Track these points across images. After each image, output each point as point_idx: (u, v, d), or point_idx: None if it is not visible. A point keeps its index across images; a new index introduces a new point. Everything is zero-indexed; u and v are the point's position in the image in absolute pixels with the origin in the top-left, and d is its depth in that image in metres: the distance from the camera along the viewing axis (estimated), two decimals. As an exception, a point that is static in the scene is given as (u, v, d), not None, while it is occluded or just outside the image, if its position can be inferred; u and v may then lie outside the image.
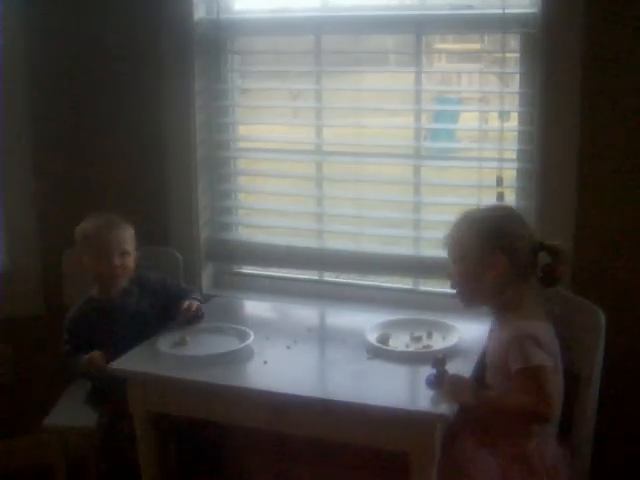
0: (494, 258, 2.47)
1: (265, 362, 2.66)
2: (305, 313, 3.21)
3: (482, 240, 2.49)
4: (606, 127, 2.79)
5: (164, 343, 2.79)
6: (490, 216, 2.56)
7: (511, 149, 3.00)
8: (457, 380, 2.42)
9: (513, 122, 3.02)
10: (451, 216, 2.95)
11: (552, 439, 2.49)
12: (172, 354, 2.73)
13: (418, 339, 2.75)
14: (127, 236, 2.99)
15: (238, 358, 2.70)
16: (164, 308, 3.01)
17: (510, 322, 2.48)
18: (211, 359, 2.68)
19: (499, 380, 2.48)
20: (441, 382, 2.40)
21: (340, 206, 3.42)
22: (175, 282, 3.11)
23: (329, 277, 3.40)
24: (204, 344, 2.80)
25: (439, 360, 2.44)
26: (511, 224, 2.53)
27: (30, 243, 3.50)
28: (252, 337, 2.78)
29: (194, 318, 2.95)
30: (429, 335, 2.78)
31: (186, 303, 2.95)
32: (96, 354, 2.82)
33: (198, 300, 3.01)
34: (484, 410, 2.44)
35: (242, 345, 2.75)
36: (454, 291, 2.63)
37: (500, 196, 2.95)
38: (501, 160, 2.98)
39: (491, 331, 2.62)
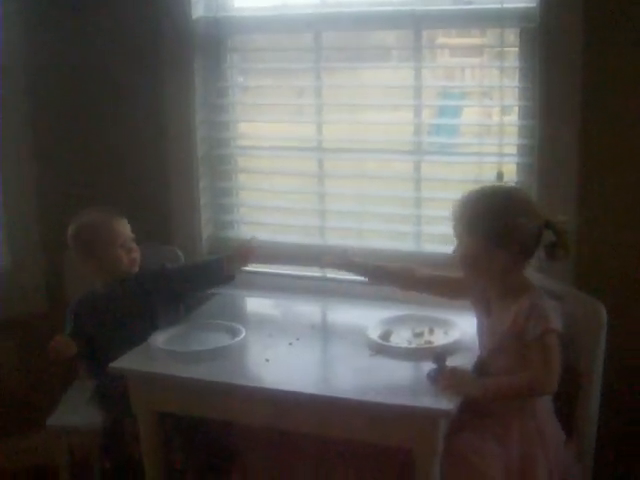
0: (506, 240, 2.41)
1: (267, 360, 2.66)
2: (307, 310, 3.21)
3: (493, 222, 2.41)
4: (607, 120, 2.78)
5: (157, 339, 2.78)
6: (498, 192, 2.51)
7: (512, 143, 2.99)
8: (457, 372, 2.42)
9: (514, 116, 3.01)
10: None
11: (550, 416, 2.51)
12: (162, 349, 2.72)
13: (420, 335, 2.75)
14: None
15: (233, 355, 2.70)
16: (171, 293, 3.00)
17: (518, 298, 2.45)
18: (200, 355, 2.68)
19: (511, 358, 2.46)
20: (442, 377, 2.40)
21: (342, 202, 3.40)
22: (177, 264, 3.13)
23: (331, 274, 3.39)
24: (199, 341, 2.80)
25: (440, 355, 2.44)
26: (519, 201, 2.47)
27: (32, 241, 3.51)
28: (243, 334, 2.78)
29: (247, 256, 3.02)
30: (431, 331, 2.77)
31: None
32: (59, 338, 2.82)
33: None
34: (488, 398, 2.44)
35: (232, 342, 2.75)
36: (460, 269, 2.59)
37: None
38: (501, 155, 2.98)
39: (486, 317, 2.59)
